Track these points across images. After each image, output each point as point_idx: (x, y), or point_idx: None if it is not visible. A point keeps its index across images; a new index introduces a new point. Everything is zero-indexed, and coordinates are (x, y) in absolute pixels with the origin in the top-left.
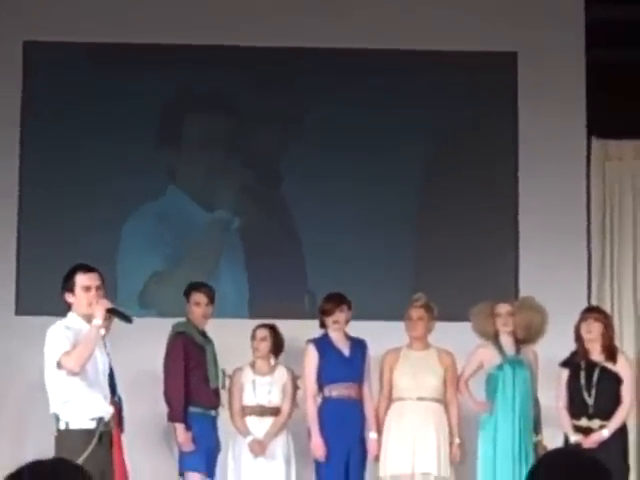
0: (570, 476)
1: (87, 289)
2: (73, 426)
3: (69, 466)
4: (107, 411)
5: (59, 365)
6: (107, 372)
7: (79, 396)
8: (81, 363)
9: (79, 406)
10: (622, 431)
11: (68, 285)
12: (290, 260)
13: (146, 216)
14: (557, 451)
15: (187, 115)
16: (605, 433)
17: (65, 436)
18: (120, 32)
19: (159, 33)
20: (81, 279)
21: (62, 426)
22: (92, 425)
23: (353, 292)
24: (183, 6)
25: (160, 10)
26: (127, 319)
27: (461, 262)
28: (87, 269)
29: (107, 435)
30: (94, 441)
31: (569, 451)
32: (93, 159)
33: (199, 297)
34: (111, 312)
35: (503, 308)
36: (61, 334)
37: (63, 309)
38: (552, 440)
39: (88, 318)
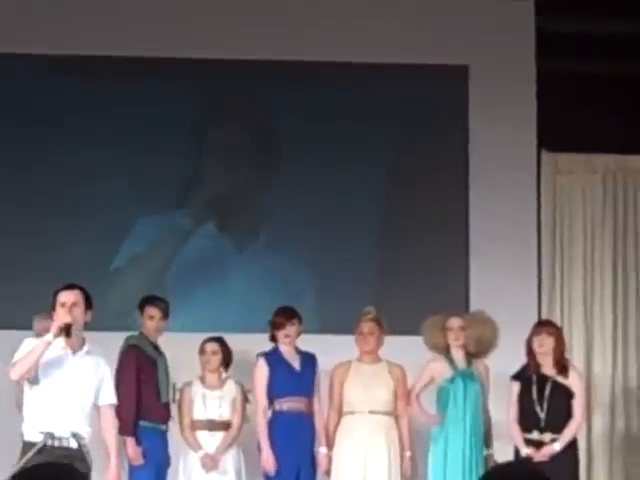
0: None
1: (62, 305)
2: (25, 437)
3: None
4: (61, 425)
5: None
6: (83, 390)
7: (32, 408)
8: (19, 374)
9: (30, 418)
10: (572, 445)
11: (53, 303)
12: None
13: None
14: (506, 464)
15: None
16: (556, 446)
17: (22, 446)
18: (78, 44)
19: (120, 46)
20: (60, 296)
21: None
22: (39, 438)
23: (300, 305)
24: (149, 17)
25: (123, 23)
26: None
27: (411, 275)
28: (70, 287)
29: (59, 450)
30: (30, 454)
31: (517, 464)
32: (55, 171)
33: (153, 311)
34: (66, 329)
35: (455, 322)
36: (25, 345)
37: (31, 323)
38: (502, 454)
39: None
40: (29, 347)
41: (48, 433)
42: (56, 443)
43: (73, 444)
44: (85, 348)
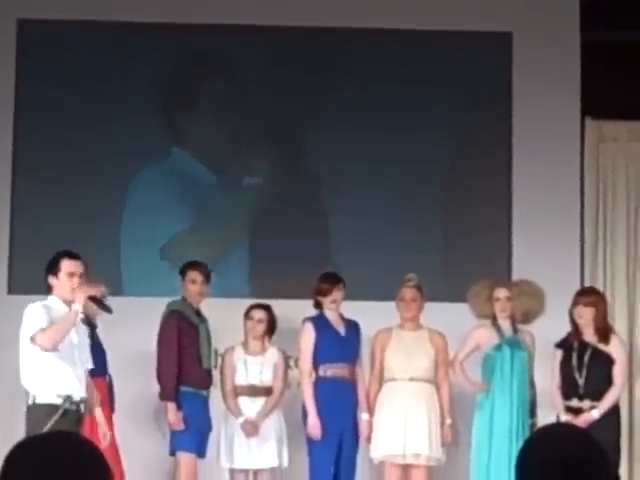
0: (562, 448)
1: (71, 275)
2: (39, 400)
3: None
4: (77, 390)
5: (32, 340)
6: (85, 355)
7: (49, 372)
8: (55, 342)
9: (47, 382)
10: (614, 413)
11: (53, 269)
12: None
13: (149, 189)
14: (552, 426)
15: (203, 84)
16: (595, 414)
17: (32, 410)
18: (124, 10)
19: (166, 12)
20: (66, 265)
21: (30, 400)
22: (58, 401)
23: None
24: None
25: None
26: (107, 309)
27: (453, 243)
28: (72, 256)
29: (74, 414)
30: (56, 416)
31: (563, 425)
32: (90, 137)
33: (195, 275)
34: (93, 300)
35: (501, 293)
36: (39, 311)
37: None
38: (546, 422)
39: (68, 302)
40: (46, 313)
41: (67, 396)
42: (73, 407)
43: (82, 409)
44: (81, 315)
